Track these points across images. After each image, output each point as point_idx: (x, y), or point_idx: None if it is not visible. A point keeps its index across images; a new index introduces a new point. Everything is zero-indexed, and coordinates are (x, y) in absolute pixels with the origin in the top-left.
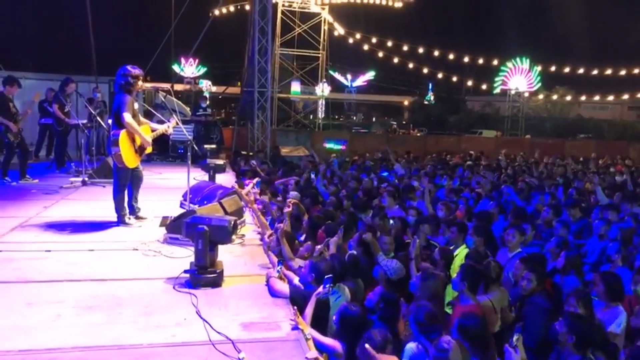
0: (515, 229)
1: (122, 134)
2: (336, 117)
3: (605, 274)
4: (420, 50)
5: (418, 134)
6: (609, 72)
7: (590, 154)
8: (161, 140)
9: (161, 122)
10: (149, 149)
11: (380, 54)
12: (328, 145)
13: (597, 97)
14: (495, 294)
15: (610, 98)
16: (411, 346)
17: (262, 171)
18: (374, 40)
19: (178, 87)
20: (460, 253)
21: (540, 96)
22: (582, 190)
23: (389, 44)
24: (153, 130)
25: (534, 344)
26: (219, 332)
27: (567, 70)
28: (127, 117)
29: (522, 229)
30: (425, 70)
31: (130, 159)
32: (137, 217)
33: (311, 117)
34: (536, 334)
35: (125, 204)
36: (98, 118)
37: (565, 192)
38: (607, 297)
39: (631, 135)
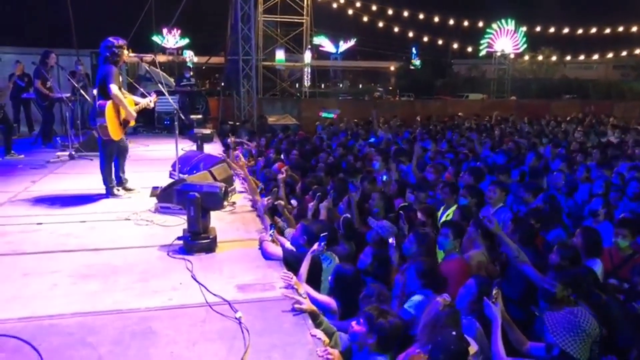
0: (497, 186)
1: (109, 105)
2: (322, 85)
3: (586, 228)
4: (405, 13)
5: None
6: (593, 31)
7: (575, 114)
8: (147, 112)
9: (144, 96)
10: (132, 122)
11: (365, 19)
12: (324, 115)
13: (582, 57)
14: (481, 248)
15: (595, 57)
16: (418, 298)
17: (249, 142)
18: (358, 4)
19: (161, 58)
20: (451, 213)
21: (526, 57)
22: (570, 150)
23: (374, 7)
24: (136, 104)
25: (517, 297)
26: (215, 295)
27: (552, 30)
28: (114, 88)
29: (503, 186)
30: (410, 34)
31: (115, 131)
32: (125, 189)
33: (297, 85)
34: (520, 286)
35: (113, 176)
36: (82, 91)
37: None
38: (585, 251)
39: (615, 94)
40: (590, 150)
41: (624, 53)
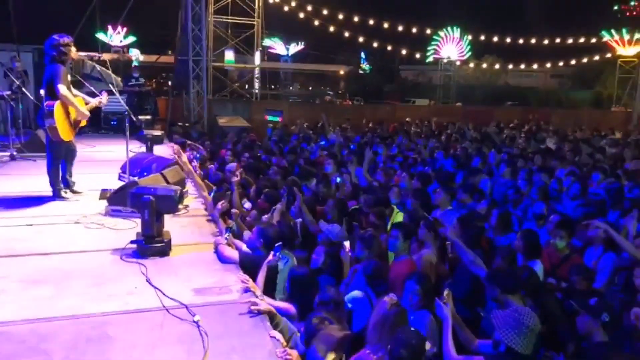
0: (442, 189)
1: (57, 105)
2: (272, 87)
3: (526, 231)
4: (356, 18)
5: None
6: (533, 41)
7: (519, 121)
8: (93, 112)
9: (91, 93)
10: (83, 122)
11: (316, 22)
12: (269, 117)
13: (522, 66)
14: (431, 249)
15: (535, 67)
16: (357, 293)
17: (196, 142)
18: (309, 8)
19: (106, 56)
20: (397, 216)
21: (471, 65)
22: (514, 155)
23: (325, 12)
24: (87, 103)
25: (463, 296)
26: (172, 298)
27: (495, 39)
28: (62, 88)
29: (449, 189)
30: (360, 39)
31: (65, 132)
32: (73, 191)
33: (247, 87)
34: (466, 285)
35: (60, 178)
36: (23, 89)
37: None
38: (525, 253)
39: (553, 102)
40: (531, 155)
41: (561, 63)
